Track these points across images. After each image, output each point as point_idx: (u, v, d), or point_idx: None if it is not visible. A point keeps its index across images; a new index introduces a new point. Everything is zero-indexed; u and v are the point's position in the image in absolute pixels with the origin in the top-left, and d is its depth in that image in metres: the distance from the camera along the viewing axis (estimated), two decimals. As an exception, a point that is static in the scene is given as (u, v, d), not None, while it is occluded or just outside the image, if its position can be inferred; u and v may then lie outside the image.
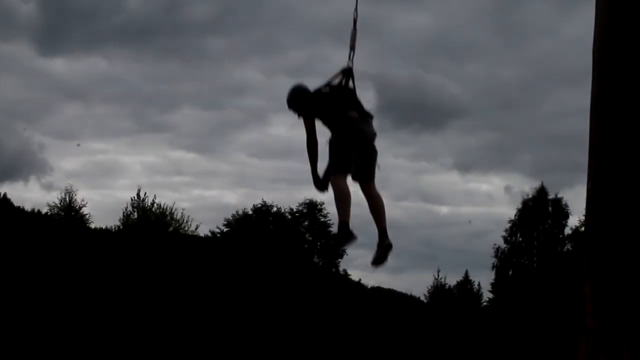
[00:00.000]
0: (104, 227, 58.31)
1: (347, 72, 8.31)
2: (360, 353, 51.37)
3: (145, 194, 55.68)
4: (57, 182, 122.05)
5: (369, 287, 60.70)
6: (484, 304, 67.75)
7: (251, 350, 50.46)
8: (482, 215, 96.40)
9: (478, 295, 73.43)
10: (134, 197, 55.02)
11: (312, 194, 60.21)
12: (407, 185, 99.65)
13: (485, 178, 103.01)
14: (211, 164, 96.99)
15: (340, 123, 8.01)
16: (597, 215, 10.81)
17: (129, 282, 49.39)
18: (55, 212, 53.17)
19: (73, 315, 47.49)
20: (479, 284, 68.23)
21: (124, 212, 54.56)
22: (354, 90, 8.28)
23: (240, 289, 53.28)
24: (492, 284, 65.14)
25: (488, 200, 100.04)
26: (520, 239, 64.00)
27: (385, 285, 62.82)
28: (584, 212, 11.11)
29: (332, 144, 8.07)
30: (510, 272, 63.85)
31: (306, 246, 58.58)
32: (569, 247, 61.79)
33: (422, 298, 68.54)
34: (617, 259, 10.59)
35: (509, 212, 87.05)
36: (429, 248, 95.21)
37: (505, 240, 64.44)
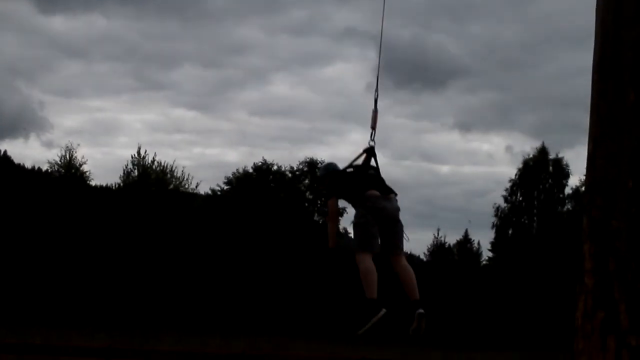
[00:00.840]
0: (104, 185, 58.53)
1: (370, 151, 8.76)
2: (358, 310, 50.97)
3: (146, 151, 55.82)
4: (58, 140, 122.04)
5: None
6: (484, 262, 67.98)
7: (252, 307, 50.79)
8: (482, 174, 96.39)
9: (478, 254, 73.66)
10: (135, 155, 55.10)
11: (313, 152, 60.26)
12: (408, 145, 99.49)
13: (486, 138, 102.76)
14: (212, 122, 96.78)
15: (362, 202, 8.38)
16: (598, 174, 10.82)
17: (130, 240, 49.57)
18: (56, 169, 53.15)
19: (73, 271, 47.73)
20: (478, 243, 68.34)
21: (124, 170, 54.69)
22: (376, 168, 8.74)
23: (240, 247, 53.48)
24: (492, 243, 65.35)
25: (489, 160, 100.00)
26: (521, 199, 64.08)
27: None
28: (584, 172, 11.12)
29: (356, 224, 8.45)
30: (510, 231, 63.99)
31: (306, 204, 58.63)
32: (569, 206, 61.92)
33: (422, 257, 68.70)
34: (617, 218, 10.60)
35: (510, 171, 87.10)
36: (429, 207, 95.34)
37: (506, 199, 64.55)
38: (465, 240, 78.75)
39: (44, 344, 16.42)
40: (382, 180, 8.64)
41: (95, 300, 47.46)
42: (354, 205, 8.63)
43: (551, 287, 52.28)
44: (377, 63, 9.30)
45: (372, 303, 8.41)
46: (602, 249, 10.57)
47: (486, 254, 68.04)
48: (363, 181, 8.47)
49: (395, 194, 8.65)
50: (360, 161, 8.83)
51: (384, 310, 8.38)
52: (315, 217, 58.89)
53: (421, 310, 8.52)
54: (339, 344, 28.40)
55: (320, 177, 9.23)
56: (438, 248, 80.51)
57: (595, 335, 10.57)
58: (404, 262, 8.76)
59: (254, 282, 52.20)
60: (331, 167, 9.05)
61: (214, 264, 52.85)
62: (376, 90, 9.07)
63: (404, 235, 8.74)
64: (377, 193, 8.40)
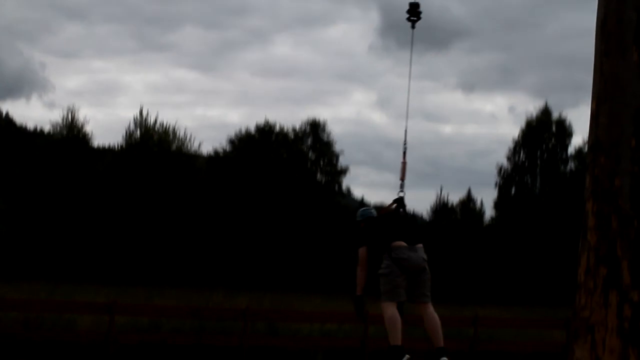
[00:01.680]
0: (106, 146, 58.48)
1: (399, 201, 9.32)
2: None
3: (148, 112, 55.69)
4: (59, 101, 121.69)
5: (372, 203, 60.73)
6: (487, 221, 68.06)
7: (255, 264, 51.04)
8: (485, 134, 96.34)
9: (480, 213, 73.73)
10: (137, 116, 54.98)
11: (316, 112, 60.00)
12: (411, 105, 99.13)
13: (489, 98, 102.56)
14: (213, 83, 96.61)
15: (388, 252, 8.83)
16: (600, 133, 10.82)
17: (133, 199, 49.68)
18: (58, 130, 53.12)
19: (77, 230, 47.93)
20: (481, 202, 68.26)
21: (126, 131, 54.57)
22: (405, 217, 9.25)
23: (243, 207, 53.60)
24: (495, 202, 65.37)
25: (492, 120, 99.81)
26: (524, 159, 63.98)
27: (388, 202, 62.91)
28: (587, 131, 11.12)
29: (382, 274, 8.88)
30: (513, 191, 63.96)
31: (309, 165, 58.65)
32: (572, 166, 61.83)
33: (425, 215, 68.75)
34: (619, 176, 10.63)
35: (513, 131, 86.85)
36: (432, 166, 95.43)
37: (508, 159, 64.43)
38: (468, 200, 78.86)
39: (47, 300, 16.55)
40: (411, 230, 9.04)
41: (99, 258, 47.74)
42: (382, 254, 8.96)
43: (554, 245, 52.41)
44: (408, 86, 9.84)
45: (397, 349, 8.76)
46: (605, 207, 10.61)
47: (489, 213, 68.03)
48: (391, 232, 8.88)
49: (424, 243, 9.00)
50: (390, 209, 9.40)
51: (407, 356, 8.72)
52: (318, 177, 58.92)
53: (445, 358, 8.78)
54: (340, 300, 28.56)
55: (357, 220, 9.58)
56: (441, 207, 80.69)
57: (598, 291, 10.65)
58: (431, 309, 9.11)
59: (257, 240, 52.39)
60: (367, 213, 9.57)
61: (217, 223, 53.02)
62: (404, 143, 9.85)
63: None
64: (402, 244, 8.80)
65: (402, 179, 9.73)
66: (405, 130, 10.01)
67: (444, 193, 78.17)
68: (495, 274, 57.56)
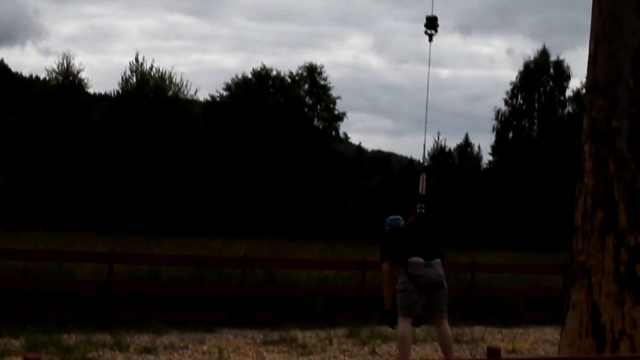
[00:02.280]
0: (102, 93, 58.25)
1: (420, 216, 9.76)
2: (356, 217, 51.72)
3: (144, 58, 55.27)
4: (54, 47, 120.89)
5: (369, 150, 60.76)
6: (484, 166, 68.15)
7: (253, 210, 51.19)
8: (483, 78, 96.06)
9: (478, 158, 73.77)
10: (132, 62, 54.67)
11: (312, 57, 59.64)
12: (408, 48, 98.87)
13: (486, 40, 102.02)
14: (209, 28, 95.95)
15: (405, 268, 9.14)
16: (598, 74, 10.72)
17: (129, 147, 49.60)
18: (53, 77, 52.86)
19: (75, 178, 47.93)
20: (479, 147, 68.31)
21: (122, 77, 54.31)
22: (424, 232, 9.48)
23: (241, 153, 53.57)
24: (493, 147, 65.40)
25: (489, 63, 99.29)
26: (521, 102, 63.83)
27: (385, 149, 63.15)
28: (585, 74, 11.02)
29: (398, 290, 9.19)
30: (511, 135, 63.95)
31: (306, 109, 58.51)
32: (570, 109, 61.70)
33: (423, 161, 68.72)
34: (617, 118, 10.55)
35: (511, 74, 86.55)
36: (429, 111, 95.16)
37: (506, 103, 64.29)
38: (466, 144, 78.84)
39: (46, 250, 16.55)
40: (429, 245, 9.30)
41: (97, 205, 47.83)
42: (399, 269, 9.31)
43: (551, 189, 52.51)
44: (424, 133, 10.25)
45: None
46: (602, 149, 10.57)
47: (486, 157, 68.12)
48: (409, 247, 9.20)
49: (442, 258, 9.32)
50: (409, 222, 9.74)
51: None
52: (315, 122, 58.79)
53: None
54: (338, 246, 28.71)
55: (385, 228, 9.84)
56: (438, 152, 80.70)
57: (595, 234, 10.67)
58: (445, 325, 9.39)
59: (255, 186, 52.48)
60: (395, 223, 9.75)
61: (214, 169, 53.04)
62: (423, 158, 10.05)
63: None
64: (419, 260, 9.09)
65: (422, 193, 10.28)
66: (424, 146, 10.52)
67: (442, 138, 78.20)
68: (492, 218, 57.77)
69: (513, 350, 12.33)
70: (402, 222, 9.86)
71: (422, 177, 10.47)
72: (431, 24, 10.97)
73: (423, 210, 9.94)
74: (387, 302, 9.71)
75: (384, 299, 9.76)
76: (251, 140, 53.83)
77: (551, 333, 14.61)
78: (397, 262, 9.39)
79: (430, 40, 11.09)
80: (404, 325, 9.18)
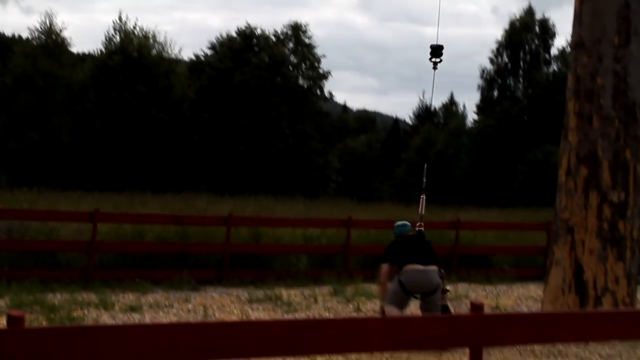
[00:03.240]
0: (85, 52, 57.75)
1: (419, 233, 10.27)
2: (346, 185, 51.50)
3: (127, 17, 54.73)
4: (37, 5, 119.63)
5: (355, 109, 60.64)
6: (469, 125, 68.20)
7: (237, 169, 51.15)
8: (468, 36, 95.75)
9: (463, 116, 73.85)
10: (116, 21, 54.17)
11: (297, 15, 59.36)
12: (393, 6, 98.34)
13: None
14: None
15: (401, 272, 9.50)
16: (584, 31, 10.69)
17: (113, 106, 49.33)
18: (36, 36, 52.35)
19: (59, 138, 47.68)
20: (464, 106, 68.37)
21: (105, 36, 53.85)
22: (424, 243, 9.94)
23: (225, 112, 53.37)
24: (478, 105, 65.39)
25: (475, 21, 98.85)
26: (507, 60, 63.75)
27: (370, 108, 63.07)
28: (571, 32, 10.98)
29: (391, 290, 9.59)
30: (496, 93, 63.94)
31: (291, 68, 58.25)
32: (555, 67, 61.65)
33: (408, 120, 68.80)
34: (602, 75, 10.54)
35: (496, 32, 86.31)
36: (414, 70, 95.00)
37: (491, 61, 64.17)
38: (451, 103, 78.84)
39: (30, 209, 16.49)
40: (426, 253, 9.70)
41: (81, 164, 47.67)
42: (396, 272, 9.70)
43: (535, 147, 52.61)
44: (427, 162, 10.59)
45: None
46: (587, 106, 10.57)
47: (472, 116, 68.14)
48: (408, 254, 9.59)
49: (438, 267, 9.70)
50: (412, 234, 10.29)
51: None
52: (300, 82, 58.57)
53: None
54: (323, 205, 28.73)
55: (394, 234, 10.30)
56: (423, 111, 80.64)
57: (578, 192, 10.70)
58: None
59: (239, 144, 52.36)
60: (402, 231, 10.21)
61: (198, 127, 52.87)
62: (424, 177, 11.11)
63: (446, 286, 10.01)
64: (415, 267, 9.48)
65: (421, 213, 10.87)
66: (425, 168, 11.27)
67: (427, 97, 78.19)
68: (476, 176, 57.94)
69: (497, 307, 12.42)
70: (410, 227, 10.31)
71: (422, 199, 11.00)
72: (436, 52, 11.34)
73: (422, 228, 10.43)
74: (382, 301, 10.10)
75: (380, 297, 10.27)
76: (236, 99, 53.62)
77: (534, 290, 14.73)
78: (398, 265, 9.72)
79: (435, 68, 11.48)
80: (389, 310, 9.51)
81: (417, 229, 10.45)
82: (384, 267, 9.95)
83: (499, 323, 4.57)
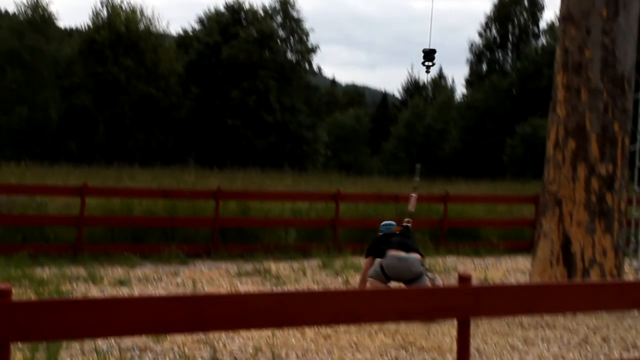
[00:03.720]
0: (73, 27, 57.37)
1: (406, 228, 10.44)
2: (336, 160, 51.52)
3: (114, -10, 54.40)
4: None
5: (344, 83, 60.56)
6: (458, 98, 68.25)
7: (226, 143, 51.08)
8: (457, 10, 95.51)
9: (452, 89, 73.84)
10: (103, -6, 53.82)
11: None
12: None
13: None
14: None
15: (383, 257, 9.75)
16: (572, 3, 10.67)
17: (101, 81, 49.14)
18: (23, 10, 51.98)
19: (45, 112, 47.48)
20: (452, 79, 68.42)
21: (92, 11, 53.51)
22: (408, 236, 10.18)
23: (213, 86, 53.24)
24: (466, 79, 65.45)
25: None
26: (495, 34, 63.74)
27: (359, 82, 63.04)
28: (559, 5, 10.96)
29: (370, 274, 9.83)
30: (485, 67, 63.97)
31: (279, 42, 58.08)
32: (543, 41, 61.67)
33: (397, 94, 68.76)
34: (590, 47, 10.54)
35: (485, 6, 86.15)
36: (403, 43, 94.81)
37: (480, 35, 64.19)
38: (440, 77, 78.78)
39: (18, 184, 16.43)
40: (408, 242, 9.94)
41: (69, 140, 47.53)
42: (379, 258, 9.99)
43: (524, 120, 52.71)
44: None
45: None
46: (575, 79, 10.56)
47: (460, 89, 68.17)
48: (391, 244, 9.83)
49: (421, 255, 9.93)
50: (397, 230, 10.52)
51: None
52: (289, 56, 58.41)
53: None
54: (311, 179, 28.74)
55: (380, 231, 10.54)
56: (412, 85, 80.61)
57: (566, 164, 10.72)
58: None
59: (228, 119, 52.26)
60: (387, 228, 10.43)
61: (187, 103, 52.77)
62: (417, 177, 11.50)
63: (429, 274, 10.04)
64: (396, 253, 9.65)
65: (411, 210, 11.17)
66: (417, 167, 11.64)
67: (415, 71, 78.10)
68: (465, 149, 58.05)
69: (485, 280, 12.48)
70: (395, 226, 10.51)
71: (413, 197, 11.28)
72: (429, 57, 11.63)
73: (410, 225, 10.53)
74: None
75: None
76: (224, 74, 53.47)
77: (523, 262, 14.79)
78: (380, 255, 9.90)
79: (428, 72, 11.82)
80: (373, 280, 9.77)
81: (403, 224, 10.53)
82: (367, 262, 10.16)
83: (486, 294, 4.59)
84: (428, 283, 9.73)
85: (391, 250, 9.70)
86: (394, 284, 9.80)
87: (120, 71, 48.92)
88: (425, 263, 10.14)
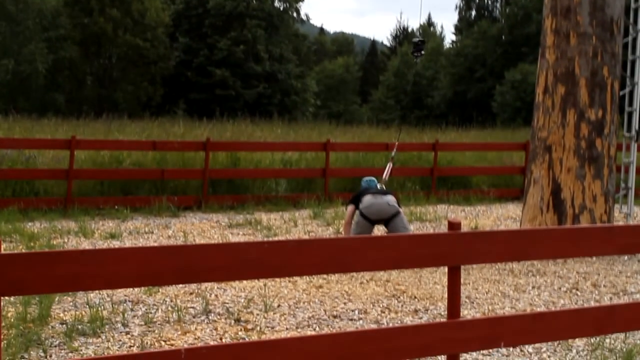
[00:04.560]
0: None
1: (382, 187, 10.85)
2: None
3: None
4: None
5: (332, 32, 60.18)
6: (447, 45, 67.92)
7: (212, 94, 50.85)
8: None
9: (441, 37, 73.44)
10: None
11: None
12: None
13: None
14: None
15: (360, 203, 10.06)
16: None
17: (90, 34, 48.69)
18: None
19: (33, 64, 47.09)
20: (442, 26, 68.09)
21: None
22: (387, 192, 10.45)
23: (199, 35, 52.85)
24: (456, 26, 65.07)
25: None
26: (484, -20, 63.31)
27: (348, 30, 62.70)
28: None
29: (354, 222, 10.14)
30: (474, 13, 63.59)
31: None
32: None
33: (386, 42, 68.38)
34: (580, -7, 10.44)
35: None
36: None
37: (469, -19, 63.72)
38: (429, 24, 78.32)
39: (6, 137, 16.36)
40: (386, 191, 10.32)
41: (56, 93, 47.26)
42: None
43: (513, 67, 52.57)
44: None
45: None
46: (564, 23, 10.49)
47: (450, 37, 67.86)
48: (369, 192, 10.14)
49: (393, 195, 10.24)
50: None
51: None
52: (276, 4, 57.90)
53: None
54: (301, 129, 28.71)
55: (361, 186, 10.79)
56: (401, 32, 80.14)
57: (556, 110, 10.69)
58: None
59: (216, 69, 51.99)
60: (369, 184, 10.63)
61: (175, 52, 52.45)
62: (393, 153, 12.33)
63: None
64: (372, 196, 9.97)
65: (385, 179, 11.57)
66: (395, 148, 12.49)
67: (404, 18, 77.52)
68: (455, 97, 57.94)
69: (475, 227, 12.52)
70: (376, 183, 10.71)
71: (389, 166, 11.77)
72: (418, 47, 12.12)
73: (384, 187, 10.90)
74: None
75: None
76: (211, 23, 53.08)
77: (513, 210, 14.84)
78: (358, 202, 10.16)
79: (416, 63, 12.35)
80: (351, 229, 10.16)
81: (382, 184, 10.98)
82: (349, 208, 10.31)
83: (476, 241, 4.59)
84: (405, 220, 9.95)
85: (367, 196, 10.04)
86: (377, 233, 9.86)
87: (107, 22, 48.45)
88: (401, 204, 10.40)
